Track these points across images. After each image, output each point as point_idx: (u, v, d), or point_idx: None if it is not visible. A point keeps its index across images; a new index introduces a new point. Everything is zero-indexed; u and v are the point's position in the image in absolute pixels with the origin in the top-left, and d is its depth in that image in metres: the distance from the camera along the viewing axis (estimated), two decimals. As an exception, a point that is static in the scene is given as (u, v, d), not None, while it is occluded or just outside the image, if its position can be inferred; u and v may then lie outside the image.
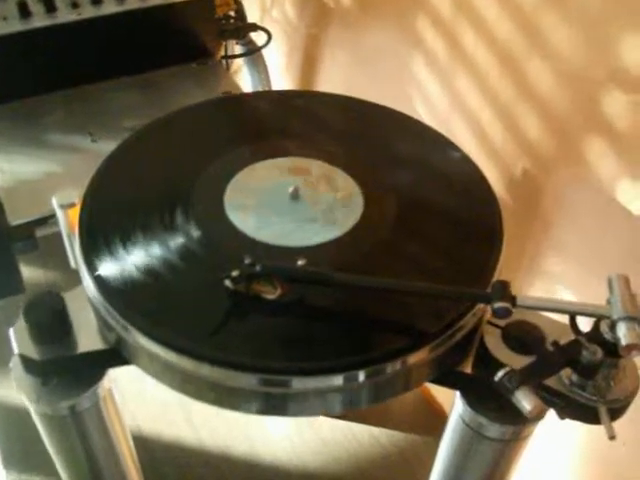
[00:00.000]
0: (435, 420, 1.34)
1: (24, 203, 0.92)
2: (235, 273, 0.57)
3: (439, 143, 0.77)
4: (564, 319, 0.63)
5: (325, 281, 0.58)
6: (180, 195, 0.68)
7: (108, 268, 0.62)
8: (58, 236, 1.01)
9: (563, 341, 0.62)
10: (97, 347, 0.65)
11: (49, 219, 0.93)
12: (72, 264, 0.74)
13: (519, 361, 0.61)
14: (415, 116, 0.80)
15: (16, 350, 0.64)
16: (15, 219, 0.91)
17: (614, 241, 0.83)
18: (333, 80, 1.33)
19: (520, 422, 0.68)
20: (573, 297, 0.89)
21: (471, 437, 0.71)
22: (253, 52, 1.30)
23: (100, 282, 0.61)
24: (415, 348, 0.58)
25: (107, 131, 1.03)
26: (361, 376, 0.57)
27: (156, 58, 1.14)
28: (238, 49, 1.33)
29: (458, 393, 0.70)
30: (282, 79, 1.50)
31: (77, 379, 0.66)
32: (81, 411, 0.68)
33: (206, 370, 0.57)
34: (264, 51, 1.32)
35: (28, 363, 0.63)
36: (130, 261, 0.62)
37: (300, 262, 0.59)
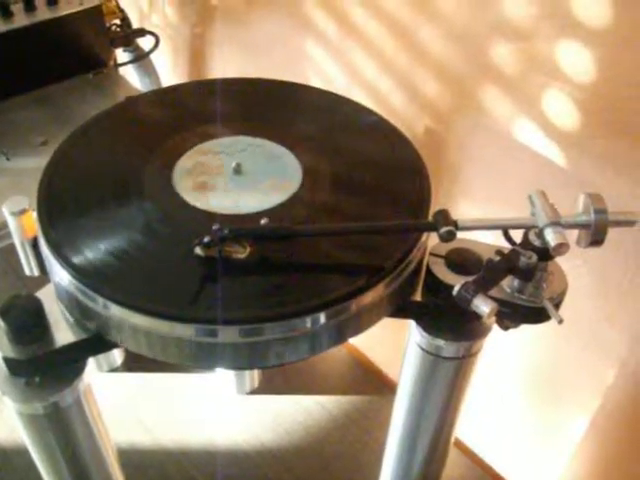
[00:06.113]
0: (369, 377, 1.44)
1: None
2: (207, 239, 0.62)
3: (354, 108, 0.85)
4: (491, 242, 0.73)
5: (289, 234, 0.64)
6: (133, 181, 0.73)
7: (80, 256, 0.65)
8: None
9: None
10: (75, 339, 0.67)
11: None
12: (27, 271, 0.75)
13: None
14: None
15: (-2, 354, 0.65)
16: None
17: (516, 175, 0.93)
18: (225, 75, 1.37)
19: (471, 338, 0.77)
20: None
21: (429, 362, 0.79)
22: (143, 57, 1.32)
23: (75, 268, 0.63)
24: (372, 285, 0.64)
25: (20, 148, 1.03)
26: (322, 318, 0.62)
27: (52, 72, 1.14)
28: (125, 56, 1.35)
29: (413, 324, 0.77)
30: (170, 81, 1.53)
31: (59, 375, 0.68)
32: (65, 407, 0.69)
33: (191, 330, 0.61)
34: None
35: (13, 364, 0.65)
36: (99, 246, 0.65)
37: (263, 221, 0.64)
